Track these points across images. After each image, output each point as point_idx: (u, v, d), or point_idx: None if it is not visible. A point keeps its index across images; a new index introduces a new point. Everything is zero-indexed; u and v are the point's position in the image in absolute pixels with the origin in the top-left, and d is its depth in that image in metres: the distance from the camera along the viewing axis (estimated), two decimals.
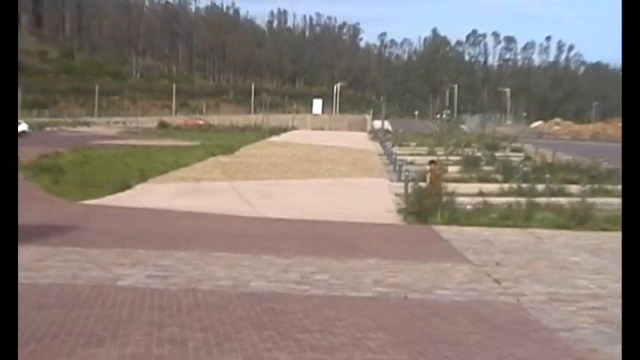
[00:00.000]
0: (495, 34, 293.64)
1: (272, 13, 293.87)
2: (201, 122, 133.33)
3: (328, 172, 56.77)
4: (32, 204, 36.66)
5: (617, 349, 14.58)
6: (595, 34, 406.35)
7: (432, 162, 50.10)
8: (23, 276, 20.00)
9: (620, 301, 19.52)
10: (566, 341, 15.24)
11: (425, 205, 36.89)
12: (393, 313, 17.38)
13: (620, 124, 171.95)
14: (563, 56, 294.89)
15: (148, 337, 14.25)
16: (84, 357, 12.85)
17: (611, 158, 68.68)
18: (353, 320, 16.27)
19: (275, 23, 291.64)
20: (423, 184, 42.29)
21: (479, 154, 74.65)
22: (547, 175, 52.25)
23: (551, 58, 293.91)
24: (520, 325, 16.69)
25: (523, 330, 16.18)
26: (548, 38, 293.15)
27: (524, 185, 47.14)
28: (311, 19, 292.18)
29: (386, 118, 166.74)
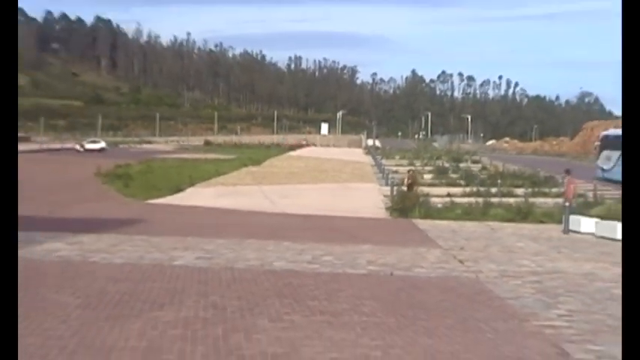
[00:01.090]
0: (460, 74, 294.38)
1: (290, 57, 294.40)
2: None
3: (332, 179, 56.79)
4: (108, 203, 36.68)
5: (552, 313, 14.65)
6: (535, 73, 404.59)
7: (409, 171, 50.31)
8: (101, 257, 20.15)
9: (555, 276, 19.57)
10: (513, 307, 15.27)
11: (406, 204, 37.08)
12: (382, 286, 17.42)
13: (554, 142, 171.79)
14: (510, 91, 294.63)
15: (196, 303, 14.30)
16: (148, 318, 12.89)
17: (547, 168, 68.58)
18: (351, 291, 16.33)
19: (292, 65, 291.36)
20: (403, 188, 42.42)
21: (447, 165, 74.92)
22: (499, 181, 52.32)
23: (502, 92, 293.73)
24: (478, 294, 16.72)
25: (480, 298, 16.21)
26: (500, 77, 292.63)
27: (482, 188, 47.10)
28: (319, 62, 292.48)
29: (376, 137, 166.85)
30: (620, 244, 27.93)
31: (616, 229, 30.03)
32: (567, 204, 33.70)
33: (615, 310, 15.16)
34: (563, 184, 36.45)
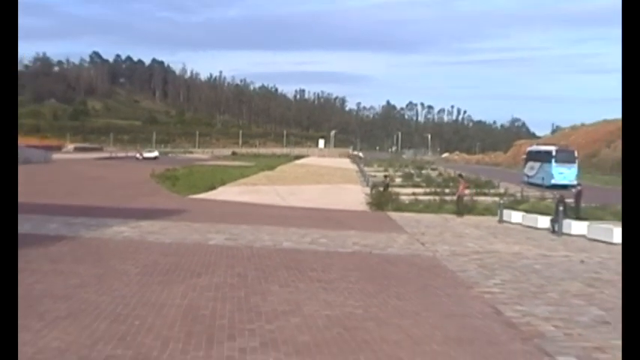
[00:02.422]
0: (422, 104, 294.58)
1: (296, 90, 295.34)
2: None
3: (327, 181, 56.72)
4: (159, 198, 36.61)
5: (490, 282, 14.66)
6: (478, 103, 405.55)
7: (385, 176, 50.41)
8: (155, 237, 20.13)
9: (492, 255, 19.53)
10: (461, 277, 15.27)
11: (381, 200, 37.10)
12: (364, 261, 17.42)
13: (492, 155, 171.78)
14: (460, 116, 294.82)
15: (225, 273, 14.32)
16: (189, 283, 12.93)
17: (486, 174, 68.60)
18: (341, 265, 16.35)
19: (297, 96, 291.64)
20: (380, 189, 42.43)
21: (412, 171, 74.80)
22: (450, 184, 52.31)
23: (453, 118, 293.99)
24: (435, 268, 16.73)
25: (437, 271, 16.22)
26: (452, 106, 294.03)
27: (438, 189, 47.00)
28: (318, 94, 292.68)
29: (359, 150, 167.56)
30: (541, 231, 28.07)
31: (537, 220, 30.07)
32: (457, 198, 36.16)
33: (536, 280, 15.23)
34: (458, 186, 38.52)
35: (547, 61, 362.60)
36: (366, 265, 16.82)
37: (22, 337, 8.72)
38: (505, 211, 32.92)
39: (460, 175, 46.57)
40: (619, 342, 9.82)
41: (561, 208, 28.23)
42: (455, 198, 36.65)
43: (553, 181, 57.39)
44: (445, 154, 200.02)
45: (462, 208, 34.80)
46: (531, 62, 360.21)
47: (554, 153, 63.69)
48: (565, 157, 62.71)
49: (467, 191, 38.83)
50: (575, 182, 50.91)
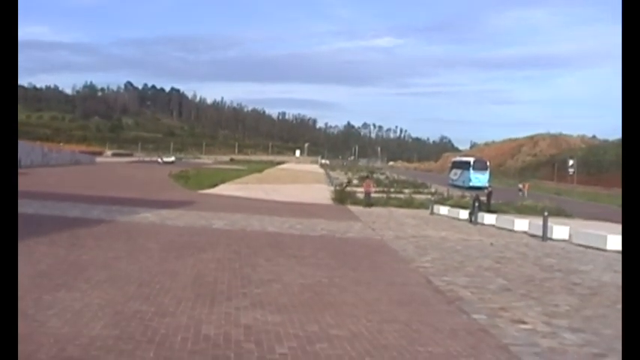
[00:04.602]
0: (374, 124, 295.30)
1: (279, 113, 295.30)
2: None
3: (301, 181, 56.63)
4: (175, 192, 36.31)
5: (423, 259, 14.70)
6: (415, 124, 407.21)
7: (348, 180, 50.56)
8: (172, 222, 19.97)
9: (425, 238, 19.56)
10: (402, 255, 15.31)
11: (342, 196, 37.08)
12: (329, 242, 17.42)
13: (426, 164, 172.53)
14: (402, 134, 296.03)
15: (224, 249, 14.26)
16: (197, 257, 12.86)
17: (421, 178, 68.90)
18: (311, 245, 16.34)
19: (280, 117, 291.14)
20: (343, 186, 42.47)
21: (365, 175, 74.70)
22: (394, 184, 52.56)
23: (397, 135, 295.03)
24: (382, 248, 16.76)
25: (383, 250, 16.25)
26: (396, 126, 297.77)
27: (385, 189, 47.10)
28: (296, 115, 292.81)
29: (326, 158, 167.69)
30: (462, 221, 28.24)
31: (459, 213, 30.26)
32: (365, 194, 37.01)
33: (458, 258, 15.31)
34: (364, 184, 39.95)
35: (466, 94, 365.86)
36: (331, 245, 16.81)
37: (73, 295, 8.73)
38: (435, 206, 33.15)
39: (367, 176, 47.42)
40: (518, 304, 9.98)
41: (477, 204, 28.51)
42: (365, 194, 37.12)
43: (471, 184, 57.95)
44: (391, 163, 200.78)
45: (369, 201, 35.37)
46: (455, 94, 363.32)
47: (472, 162, 64.41)
48: (480, 165, 63.43)
49: (373, 188, 39.67)
50: (487, 185, 51.54)
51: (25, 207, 20.96)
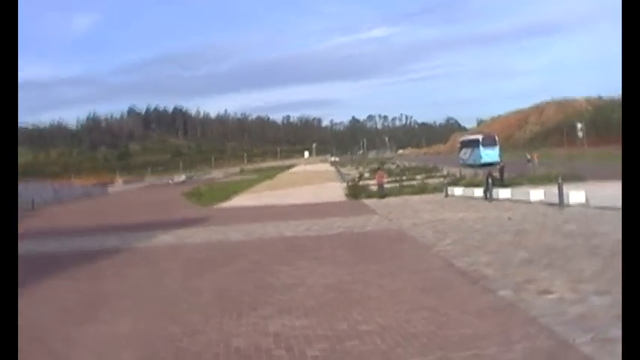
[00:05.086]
0: (379, 115, 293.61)
1: (283, 116, 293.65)
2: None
3: (313, 182, 56.32)
4: (189, 210, 36.42)
5: (443, 243, 14.66)
6: (421, 110, 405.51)
7: (360, 175, 50.51)
8: (189, 240, 20.06)
9: (443, 222, 19.51)
10: (421, 241, 15.29)
11: (356, 192, 36.98)
12: (347, 239, 17.40)
13: (435, 147, 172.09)
14: (408, 121, 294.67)
15: (244, 261, 14.31)
16: (219, 272, 12.93)
17: (432, 162, 68.73)
18: (329, 244, 16.34)
19: (285, 121, 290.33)
20: (355, 181, 42.38)
21: (377, 166, 74.34)
22: (406, 172, 52.46)
23: (403, 122, 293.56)
24: (401, 237, 16.73)
25: (403, 239, 16.23)
26: (401, 114, 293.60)
27: (397, 177, 46.94)
28: (300, 117, 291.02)
29: (335, 156, 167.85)
30: (477, 200, 28.14)
31: (473, 191, 30.15)
32: (378, 185, 36.46)
33: (478, 237, 15.25)
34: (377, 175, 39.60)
35: (467, 72, 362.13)
36: (350, 241, 16.78)
37: (99, 327, 8.80)
38: (449, 188, 32.99)
39: (378, 168, 47.08)
40: (543, 274, 9.93)
41: (490, 180, 28.38)
42: (378, 185, 36.90)
43: (482, 161, 57.62)
44: (400, 151, 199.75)
45: (383, 193, 35.16)
46: (455, 74, 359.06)
47: (480, 140, 64.11)
48: (489, 141, 63.12)
49: (385, 179, 39.12)
50: (498, 160, 51.26)
51: (41, 246, 21.16)
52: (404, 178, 46.95)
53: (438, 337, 7.08)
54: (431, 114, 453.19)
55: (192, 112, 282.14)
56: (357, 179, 47.15)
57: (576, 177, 32.19)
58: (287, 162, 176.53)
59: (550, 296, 8.46)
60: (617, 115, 74.67)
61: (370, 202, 31.85)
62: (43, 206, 56.89)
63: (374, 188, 37.87)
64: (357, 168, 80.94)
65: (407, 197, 33.35)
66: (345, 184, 46.21)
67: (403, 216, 22.88)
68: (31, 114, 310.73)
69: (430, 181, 41.74)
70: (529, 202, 23.93)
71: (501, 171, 34.89)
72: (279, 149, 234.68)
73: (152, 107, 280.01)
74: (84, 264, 15.96)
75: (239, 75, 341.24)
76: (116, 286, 12.39)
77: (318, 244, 16.51)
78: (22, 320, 9.82)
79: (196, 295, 10.66)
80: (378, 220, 22.42)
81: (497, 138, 65.47)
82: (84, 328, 8.77)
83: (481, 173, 38.30)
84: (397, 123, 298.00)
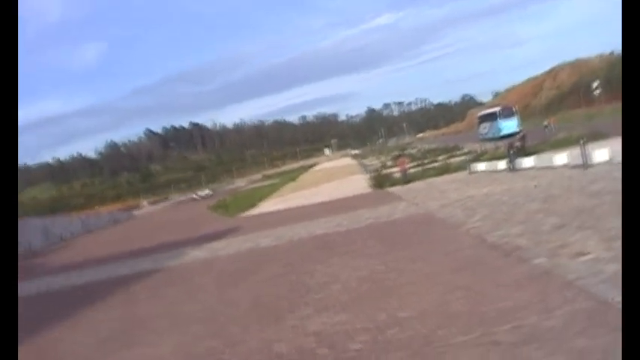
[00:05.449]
0: (394, 102, 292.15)
1: (300, 117, 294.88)
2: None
3: (337, 178, 56.02)
4: (217, 222, 36.59)
5: (472, 220, 14.58)
6: (434, 91, 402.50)
7: (399, 156, 50.40)
8: (219, 253, 20.13)
9: (469, 199, 19.39)
10: (449, 221, 15.20)
11: (380, 181, 36.79)
12: (376, 230, 17.35)
13: (453, 126, 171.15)
14: (423, 104, 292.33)
15: (277, 265, 14.38)
16: (252, 279, 13.01)
17: (452, 142, 68.39)
18: (360, 236, 16.31)
19: (301, 121, 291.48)
20: (378, 171, 42.18)
21: (397, 153, 74.04)
22: (427, 154, 52.19)
23: (419, 106, 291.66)
24: (430, 220, 16.63)
25: (431, 222, 16.13)
26: (416, 98, 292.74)
27: (420, 161, 46.74)
28: (316, 115, 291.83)
29: (356, 149, 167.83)
30: (501, 173, 27.95)
31: (497, 165, 29.95)
32: (402, 172, 35.83)
33: (506, 209, 15.16)
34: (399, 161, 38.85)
35: (477, 46, 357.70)
36: (379, 231, 16.73)
37: (142, 350, 8.94)
38: (472, 165, 32.81)
39: (400, 155, 46.74)
40: (575, 237, 9.86)
41: (512, 151, 28.18)
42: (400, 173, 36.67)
43: (502, 133, 57.26)
44: (419, 135, 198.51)
45: (407, 178, 34.90)
46: (466, 50, 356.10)
47: (498, 112, 63.65)
48: (507, 113, 62.66)
49: (408, 165, 38.98)
50: (518, 129, 50.87)
51: (73, 278, 21.47)
52: (426, 161, 46.76)
53: (477, 314, 7.06)
54: (446, 93, 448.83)
55: (209, 125, 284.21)
56: (379, 169, 47.09)
57: (598, 135, 31.80)
58: (308, 161, 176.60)
59: (585, 258, 8.40)
60: None
61: (395, 189, 31.73)
62: (72, 238, 57.65)
63: (398, 175, 37.76)
64: (378, 158, 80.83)
65: (431, 180, 33.15)
66: (368, 176, 46.16)
67: (429, 198, 22.76)
68: (50, 149, 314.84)
69: (452, 160, 41.53)
70: (553, 168, 23.71)
71: (522, 140, 34.60)
72: (298, 150, 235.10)
73: (168, 126, 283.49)
74: (118, 291, 16.16)
75: (250, 83, 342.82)
76: (152, 308, 12.53)
77: (349, 239, 16.50)
78: (65, 352, 10.01)
79: (233, 306, 10.75)
80: (405, 206, 22.33)
81: (515, 108, 64.96)
82: (127, 354, 8.90)
83: (502, 146, 38.06)
84: (413, 107, 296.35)
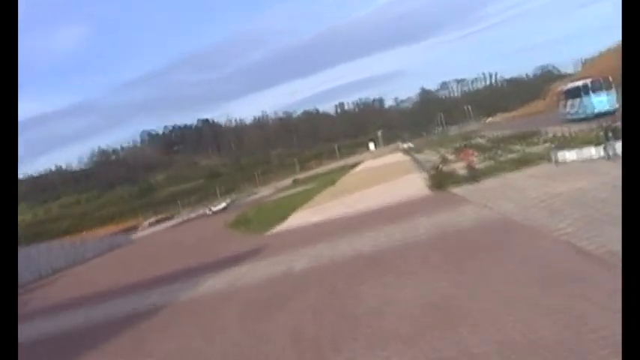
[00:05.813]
0: (455, 80, 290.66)
1: (335, 105, 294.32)
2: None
3: (385, 179, 55.91)
4: (238, 243, 36.90)
5: (564, 223, 14.47)
6: (506, 61, 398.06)
7: (441, 159, 50.25)
8: (243, 280, 20.36)
9: (557, 198, 19.29)
10: (534, 227, 15.10)
11: (440, 180, 36.56)
12: (439, 241, 17.33)
13: (533, 105, 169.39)
14: (492, 79, 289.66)
15: (316, 291, 14.48)
16: (287, 310, 13.10)
17: (530, 125, 67.78)
18: (418, 251, 16.34)
19: (338, 110, 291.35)
20: (437, 168, 41.95)
21: (461, 144, 73.58)
22: (500, 144, 51.83)
23: (487, 82, 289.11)
24: (507, 226, 16.55)
25: (509, 229, 16.05)
26: (482, 73, 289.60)
27: (490, 152, 46.43)
28: (356, 102, 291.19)
29: (409, 141, 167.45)
30: (597, 162, 27.67)
31: (591, 151, 29.64)
32: (468, 167, 35.56)
33: (606, 208, 14.98)
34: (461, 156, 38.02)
35: (548, 6, 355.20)
36: (443, 243, 16.71)
37: None
38: (558, 153, 32.52)
39: (464, 146, 46.05)
40: None
41: (610, 134, 27.84)
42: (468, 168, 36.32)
43: (596, 111, 56.64)
44: (488, 119, 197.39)
45: (475, 175, 34.48)
46: (536, 11, 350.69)
47: (588, 85, 62.91)
48: (599, 85, 61.85)
49: (475, 158, 39.24)
50: (617, 105, 50.12)
51: (72, 319, 21.88)
52: (498, 152, 46.50)
53: (575, 343, 7.04)
54: (518, 66, 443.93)
55: (222, 121, 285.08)
56: (439, 165, 46.96)
57: None
58: (350, 160, 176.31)
59: None
60: None
61: (460, 189, 31.61)
62: (62, 270, 58.69)
63: (463, 172, 37.58)
64: (437, 151, 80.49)
65: (506, 175, 32.97)
66: (425, 174, 46.08)
67: (505, 199, 22.62)
68: (22, 162, 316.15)
69: (532, 149, 41.20)
70: None
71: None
72: (336, 146, 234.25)
73: (171, 125, 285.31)
74: (124, 331, 16.46)
75: (273, 66, 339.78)
76: (166, 352, 12.73)
77: (405, 254, 16.51)
78: None
79: (266, 342, 10.88)
80: (474, 210, 22.24)
81: (610, 78, 64.13)
82: None
83: (596, 126, 37.62)
84: (479, 85, 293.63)
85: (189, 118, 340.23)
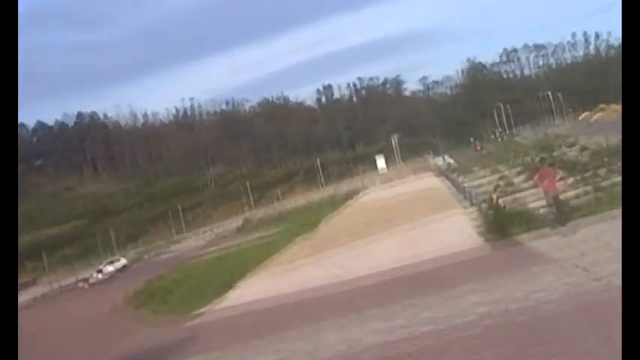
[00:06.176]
0: (525, 46, 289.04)
1: (318, 90, 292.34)
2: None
3: (404, 220, 55.74)
4: (142, 333, 36.79)
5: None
6: (613, 17, 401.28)
7: (501, 184, 50.10)
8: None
9: None
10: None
11: (501, 222, 35.55)
12: (501, 334, 17.11)
13: None
14: (591, 47, 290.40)
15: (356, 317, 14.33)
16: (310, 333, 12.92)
17: None
18: (464, 350, 16.06)
19: (323, 98, 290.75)
20: (494, 200, 41.54)
21: (537, 159, 73.54)
22: (605, 159, 51.85)
23: (580, 52, 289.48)
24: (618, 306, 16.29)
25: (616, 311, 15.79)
26: (573, 34, 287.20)
27: (587, 174, 46.35)
28: (354, 84, 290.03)
29: (446, 153, 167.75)
30: None
31: None
32: (554, 199, 34.37)
33: None
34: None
35: None
36: (507, 339, 16.47)
37: None
38: None
39: (542, 161, 44.71)
40: None
41: None
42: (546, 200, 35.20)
43: None
44: (584, 115, 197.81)
45: (562, 211, 33.23)
46: None
47: None
48: None
49: (561, 183, 38.54)
50: None
51: None
52: (603, 172, 46.49)
53: None
54: None
55: (121, 117, 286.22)
56: (498, 195, 46.79)
57: None
58: (343, 186, 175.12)
59: None
60: None
61: (535, 237, 31.32)
62: None
63: (538, 207, 37.38)
64: (495, 170, 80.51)
65: (616, 213, 32.63)
66: (475, 211, 45.88)
67: (614, 257, 22.25)
68: None
69: None
70: None
71: None
72: (318, 163, 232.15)
73: (32, 124, 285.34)
74: None
75: (203, 21, 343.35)
76: None
77: (442, 355, 16.26)
78: None
79: None
80: (559, 276, 21.95)
81: None
82: None
83: None
84: (567, 55, 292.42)
85: (58, 111, 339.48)
